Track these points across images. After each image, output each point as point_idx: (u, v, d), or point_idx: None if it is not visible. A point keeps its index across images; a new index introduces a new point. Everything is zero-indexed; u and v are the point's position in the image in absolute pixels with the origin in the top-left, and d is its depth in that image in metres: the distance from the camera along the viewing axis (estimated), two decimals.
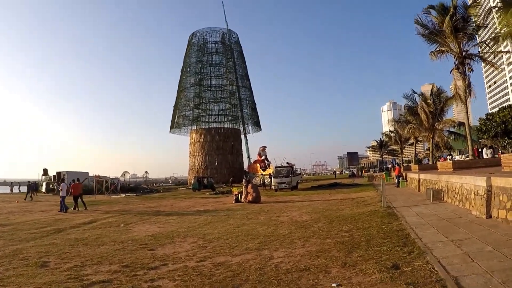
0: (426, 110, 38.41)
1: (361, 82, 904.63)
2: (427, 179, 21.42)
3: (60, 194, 24.09)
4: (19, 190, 50.82)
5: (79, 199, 24.06)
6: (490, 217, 10.79)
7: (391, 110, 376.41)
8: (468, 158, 32.98)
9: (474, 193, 12.19)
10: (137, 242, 11.27)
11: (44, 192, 50.06)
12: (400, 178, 30.55)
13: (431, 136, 39.97)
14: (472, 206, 12.38)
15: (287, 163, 45.25)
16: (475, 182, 12.12)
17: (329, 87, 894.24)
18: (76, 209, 23.35)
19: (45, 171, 57.82)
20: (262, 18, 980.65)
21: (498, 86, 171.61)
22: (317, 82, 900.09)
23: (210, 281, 6.81)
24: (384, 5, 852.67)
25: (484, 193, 11.04)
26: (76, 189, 24.39)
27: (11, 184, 51.12)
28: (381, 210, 15.42)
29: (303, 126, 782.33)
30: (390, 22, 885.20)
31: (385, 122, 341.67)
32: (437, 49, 27.86)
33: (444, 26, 26.03)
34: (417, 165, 40.43)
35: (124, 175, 67.98)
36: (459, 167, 23.65)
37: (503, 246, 7.59)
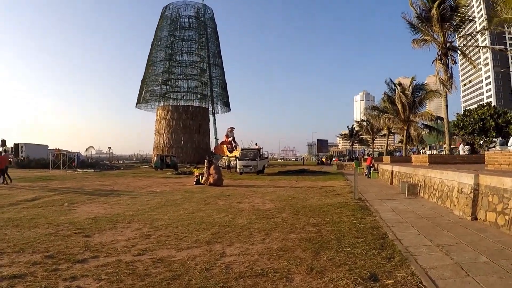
0: (404, 101, 37.67)
1: (336, 70, 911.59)
2: (402, 172, 20.52)
3: None
4: None
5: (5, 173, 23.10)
6: (476, 219, 9.71)
7: (363, 100, 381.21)
8: (443, 153, 32.49)
9: (457, 191, 11.09)
10: (74, 225, 9.90)
11: None
12: (372, 169, 29.75)
13: (405, 128, 39.22)
14: (454, 205, 11.30)
15: (256, 144, 44.16)
16: (460, 179, 11.02)
17: (302, 73, 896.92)
18: (4, 182, 22.61)
19: (3, 142, 55.25)
20: None
21: (473, 86, 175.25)
22: (291, 67, 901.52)
23: (142, 285, 5.48)
24: None
25: (470, 192, 9.94)
26: (2, 161, 23.38)
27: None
28: (352, 202, 14.29)
29: (273, 110, 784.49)
30: (370, 12, 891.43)
31: (357, 111, 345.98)
32: (421, 37, 26.95)
33: (432, 13, 25.03)
34: (389, 156, 39.80)
35: (89, 150, 66.05)
36: (435, 162, 22.91)
37: (500, 256, 6.47)
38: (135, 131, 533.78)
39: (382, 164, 31.18)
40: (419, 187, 16.16)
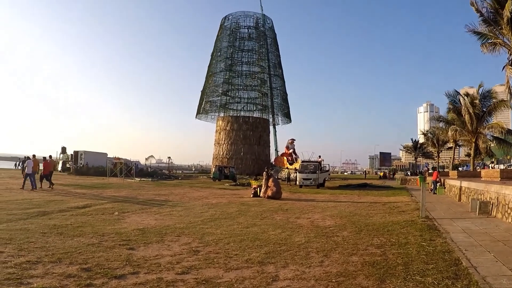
0: (471, 112, 35.24)
1: (398, 81, 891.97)
2: (471, 188, 18.76)
3: (26, 171, 23.36)
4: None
5: (48, 178, 23.89)
6: None
7: (427, 111, 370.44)
8: None
9: None
10: (120, 236, 9.37)
11: (60, 171, 49.19)
12: (438, 184, 27.83)
13: (473, 140, 36.74)
14: None
15: (319, 156, 42.77)
16: None
17: (365, 84, 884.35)
18: (51, 187, 23.48)
19: (63, 150, 57.01)
20: (299, 6, 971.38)
21: None
22: (353, 78, 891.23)
23: None
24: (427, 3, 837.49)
25: None
26: (47, 167, 23.99)
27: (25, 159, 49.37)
28: (419, 221, 12.94)
29: (335, 122, 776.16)
30: (432, 22, 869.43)
31: (421, 123, 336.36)
32: (491, 41, 24.99)
33: (503, 13, 23.08)
34: (455, 171, 37.39)
35: (149, 159, 67.02)
36: (508, 177, 20.86)
37: None
38: (196, 142, 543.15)
39: (448, 179, 29.20)
40: (491, 205, 14.60)
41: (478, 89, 37.82)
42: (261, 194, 22.43)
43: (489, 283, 5.91)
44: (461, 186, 21.35)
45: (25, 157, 24.86)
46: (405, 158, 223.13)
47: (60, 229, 10.04)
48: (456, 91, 39.71)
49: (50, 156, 25.43)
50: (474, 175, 29.56)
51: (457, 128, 37.79)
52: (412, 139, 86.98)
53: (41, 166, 25.72)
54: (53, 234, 9.30)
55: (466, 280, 6.11)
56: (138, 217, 12.93)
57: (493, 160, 55.03)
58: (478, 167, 50.22)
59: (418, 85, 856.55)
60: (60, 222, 11.22)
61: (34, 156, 25.07)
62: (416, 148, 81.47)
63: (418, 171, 70.82)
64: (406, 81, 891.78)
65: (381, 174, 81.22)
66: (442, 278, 6.23)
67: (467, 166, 67.84)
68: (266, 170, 24.08)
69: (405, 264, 7.16)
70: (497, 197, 14.06)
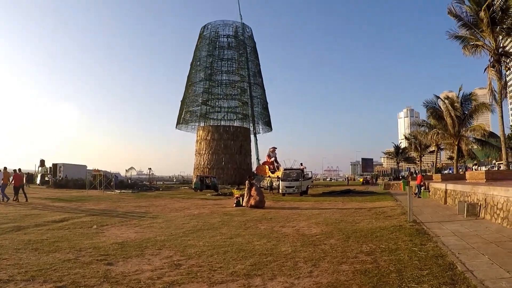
0: (453, 114, 35.32)
1: (377, 87, 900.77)
2: (457, 191, 18.69)
3: None
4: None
5: (21, 190, 23.75)
6: None
7: (408, 117, 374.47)
8: (502, 168, 30.22)
9: None
10: (98, 251, 8.91)
11: (38, 184, 48.27)
12: (422, 188, 27.81)
13: (456, 143, 36.84)
14: None
15: (301, 164, 42.51)
16: None
17: (344, 90, 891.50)
18: (16, 200, 23.23)
19: (42, 162, 56.01)
20: (276, 13, 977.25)
21: None
22: (333, 84, 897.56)
23: None
24: (402, 5, 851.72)
25: None
26: (17, 179, 23.82)
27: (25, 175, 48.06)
28: (407, 226, 12.71)
29: (316, 129, 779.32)
30: (410, 25, 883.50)
31: (401, 128, 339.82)
32: (472, 44, 25.19)
33: (480, 16, 23.32)
34: (439, 174, 37.43)
35: (130, 171, 66.25)
36: (493, 178, 20.83)
37: None
38: (176, 152, 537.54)
39: (433, 182, 29.20)
40: (479, 207, 14.49)
41: (459, 93, 37.94)
42: (243, 204, 22.03)
43: (488, 287, 5.72)
44: (446, 189, 21.34)
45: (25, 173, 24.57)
46: (386, 163, 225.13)
47: (35, 244, 9.59)
48: (436, 95, 39.85)
49: (20, 169, 24.94)
50: (458, 178, 29.59)
51: (438, 131, 37.89)
52: (394, 144, 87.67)
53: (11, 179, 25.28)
54: (27, 250, 8.87)
55: (464, 285, 5.91)
56: (118, 230, 12.43)
57: (475, 162, 55.48)
58: (460, 170, 50.61)
59: (398, 90, 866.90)
60: (35, 237, 10.72)
61: (5, 168, 24.64)
62: (398, 153, 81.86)
63: (400, 175, 71.24)
64: (385, 87, 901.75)
65: (361, 180, 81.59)
66: (439, 284, 6.02)
67: (450, 169, 68.29)
68: (248, 179, 23.75)
69: (398, 271, 6.90)
70: (485, 199, 13.97)
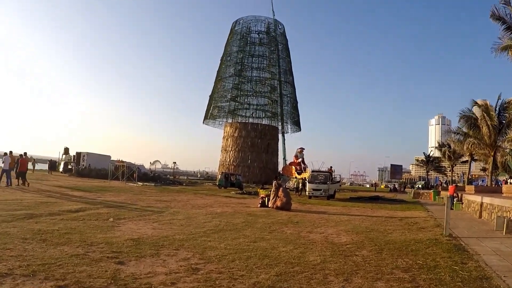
0: (489, 123, 33.77)
1: (409, 93, 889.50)
2: (495, 205, 17.57)
3: (2, 167, 23.44)
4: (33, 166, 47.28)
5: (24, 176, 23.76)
6: None
7: (439, 124, 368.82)
8: None
9: None
10: (110, 247, 8.22)
11: (61, 172, 48.37)
12: (455, 200, 26.51)
13: (491, 154, 35.21)
14: None
15: (330, 167, 41.34)
16: None
17: (374, 95, 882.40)
18: (26, 184, 23.55)
19: (66, 150, 56.10)
20: (311, 12, 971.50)
21: None
22: (365, 88, 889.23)
23: None
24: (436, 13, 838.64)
25: None
26: (23, 164, 23.97)
27: (34, 160, 47.47)
28: (443, 240, 11.72)
29: (344, 132, 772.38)
30: (443, 33, 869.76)
31: (432, 136, 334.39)
32: None
33: None
34: (472, 185, 35.92)
35: (155, 163, 66.25)
36: None
37: None
38: (202, 148, 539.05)
39: (466, 194, 27.92)
40: None
41: (497, 101, 36.07)
42: (269, 205, 21.19)
43: None
44: (482, 202, 20.17)
45: (4, 153, 24.38)
46: (415, 171, 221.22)
47: (45, 235, 8.99)
48: (474, 100, 37.87)
49: (25, 153, 24.82)
50: (493, 191, 28.32)
51: (474, 141, 36.30)
52: (424, 153, 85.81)
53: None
54: (34, 241, 8.25)
55: None
56: (134, 225, 11.77)
57: (509, 175, 53.18)
58: (492, 183, 48.73)
59: (429, 97, 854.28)
60: (46, 226, 10.14)
61: (11, 152, 24.62)
62: (428, 161, 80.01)
63: (430, 185, 69.40)
64: (417, 93, 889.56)
65: (383, 187, 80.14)
66: None
67: (483, 180, 66.22)
68: (275, 179, 22.92)
69: None
70: None
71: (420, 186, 66.50)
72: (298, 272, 7.09)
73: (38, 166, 48.80)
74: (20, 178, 23.86)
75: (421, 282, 6.74)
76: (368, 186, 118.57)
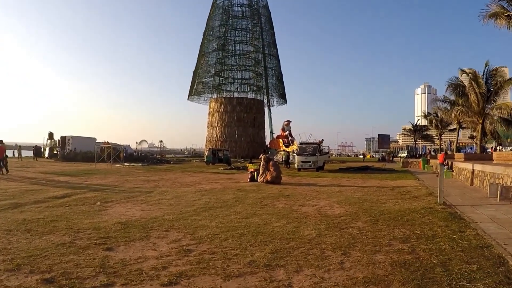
0: (477, 91, 33.63)
1: (394, 62, 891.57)
2: (487, 172, 17.52)
3: None
4: (19, 154, 46.36)
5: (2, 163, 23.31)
6: None
7: (425, 93, 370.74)
8: None
9: None
10: (98, 232, 7.94)
11: (46, 158, 47.78)
12: (445, 168, 26.51)
13: (480, 121, 35.17)
14: None
15: (322, 140, 41.09)
16: None
17: (361, 64, 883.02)
18: (0, 172, 23.30)
19: (51, 135, 55.49)
20: None
21: None
22: (350, 58, 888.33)
23: None
24: None
25: None
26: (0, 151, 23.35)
27: (19, 147, 47.12)
28: (438, 208, 11.61)
29: (331, 104, 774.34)
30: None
31: (418, 105, 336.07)
32: (507, 15, 23.58)
33: None
34: (461, 153, 36.00)
35: (141, 143, 65.75)
36: None
37: None
38: (188, 125, 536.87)
39: (456, 161, 27.93)
40: None
41: (484, 68, 35.79)
42: (259, 179, 21.00)
43: None
44: (473, 170, 20.17)
45: (35, 146, 24.12)
46: (402, 140, 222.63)
47: (30, 224, 8.64)
48: (461, 69, 37.55)
49: (1, 141, 24.24)
50: (481, 158, 28.36)
51: (462, 109, 36.21)
52: (410, 122, 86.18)
53: None
54: (19, 232, 7.92)
55: None
56: (122, 208, 11.46)
57: (501, 142, 53.53)
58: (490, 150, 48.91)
59: (415, 66, 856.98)
60: (31, 215, 9.77)
61: (1, 141, 24.15)
62: (415, 130, 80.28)
63: (417, 153, 69.72)
64: (402, 62, 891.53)
65: (368, 156, 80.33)
66: (495, 283, 5.00)
67: (471, 148, 66.67)
68: (263, 153, 22.70)
69: (442, 264, 5.88)
70: None
71: (404, 155, 66.80)
72: (294, 247, 6.89)
73: (24, 153, 47.91)
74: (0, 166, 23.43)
75: (421, 252, 6.58)
76: (360, 156, 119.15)
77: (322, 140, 41.15)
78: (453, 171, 26.08)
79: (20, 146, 47.85)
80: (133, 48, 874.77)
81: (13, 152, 48.18)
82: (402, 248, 6.91)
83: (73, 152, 46.31)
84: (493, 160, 23.91)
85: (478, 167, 19.43)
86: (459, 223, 9.20)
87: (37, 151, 48.36)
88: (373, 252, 6.63)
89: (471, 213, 10.77)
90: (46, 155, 49.95)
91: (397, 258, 6.22)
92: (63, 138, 50.00)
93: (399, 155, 76.36)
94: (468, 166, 21.43)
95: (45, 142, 55.96)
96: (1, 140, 24.56)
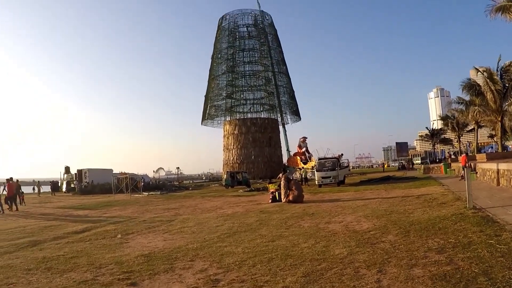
0: (493, 89, 32.97)
1: (404, 69, 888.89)
2: None
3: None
4: (38, 190, 46.73)
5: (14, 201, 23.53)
6: None
7: (438, 96, 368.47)
8: None
9: None
10: (121, 267, 7.63)
11: (64, 192, 48.00)
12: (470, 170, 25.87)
13: (499, 119, 34.42)
14: None
15: (341, 155, 40.61)
16: None
17: (370, 75, 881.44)
18: (12, 209, 23.29)
19: (67, 169, 55.79)
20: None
21: None
22: (356, 71, 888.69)
23: None
24: None
25: None
26: (10, 189, 23.56)
27: (38, 183, 47.36)
28: (469, 213, 11.02)
29: (345, 117, 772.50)
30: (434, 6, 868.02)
31: (433, 109, 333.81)
32: None
33: None
34: (483, 154, 35.19)
35: (158, 171, 65.86)
36: None
37: None
38: (204, 149, 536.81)
39: (478, 162, 27.25)
40: None
41: (498, 63, 35.05)
42: (282, 199, 20.55)
43: None
44: (498, 169, 19.55)
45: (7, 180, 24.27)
46: (419, 146, 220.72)
47: (50, 262, 8.39)
48: (476, 68, 36.98)
49: (11, 178, 24.49)
50: (505, 156, 27.63)
51: (479, 108, 35.50)
52: (427, 128, 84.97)
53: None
54: (39, 270, 7.67)
55: None
56: (144, 239, 11.18)
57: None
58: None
59: (425, 71, 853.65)
60: (51, 253, 9.55)
61: (11, 179, 24.64)
62: (433, 135, 79.05)
63: (437, 158, 68.65)
64: (412, 68, 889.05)
65: (386, 166, 79.56)
66: None
67: (491, 147, 65.53)
68: (283, 172, 22.32)
69: (484, 272, 5.50)
70: None
71: (418, 162, 65.91)
72: (326, 269, 6.53)
73: (42, 189, 48.22)
74: (9, 203, 23.56)
75: (459, 262, 6.19)
76: (376, 167, 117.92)
77: (342, 154, 40.68)
78: (476, 172, 25.41)
79: (38, 181, 48.15)
80: (141, 77, 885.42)
81: (33, 188, 48.48)
82: (439, 259, 6.53)
83: (90, 184, 46.66)
84: None
85: (503, 166, 18.84)
86: (494, 227, 8.76)
87: (54, 186, 48.83)
88: (409, 267, 6.26)
89: (503, 215, 10.29)
90: (64, 189, 50.34)
91: (436, 271, 5.85)
92: (79, 171, 50.44)
93: (415, 161, 75.34)
94: (493, 166, 20.88)
95: (62, 177, 56.33)
96: (11, 178, 24.74)
